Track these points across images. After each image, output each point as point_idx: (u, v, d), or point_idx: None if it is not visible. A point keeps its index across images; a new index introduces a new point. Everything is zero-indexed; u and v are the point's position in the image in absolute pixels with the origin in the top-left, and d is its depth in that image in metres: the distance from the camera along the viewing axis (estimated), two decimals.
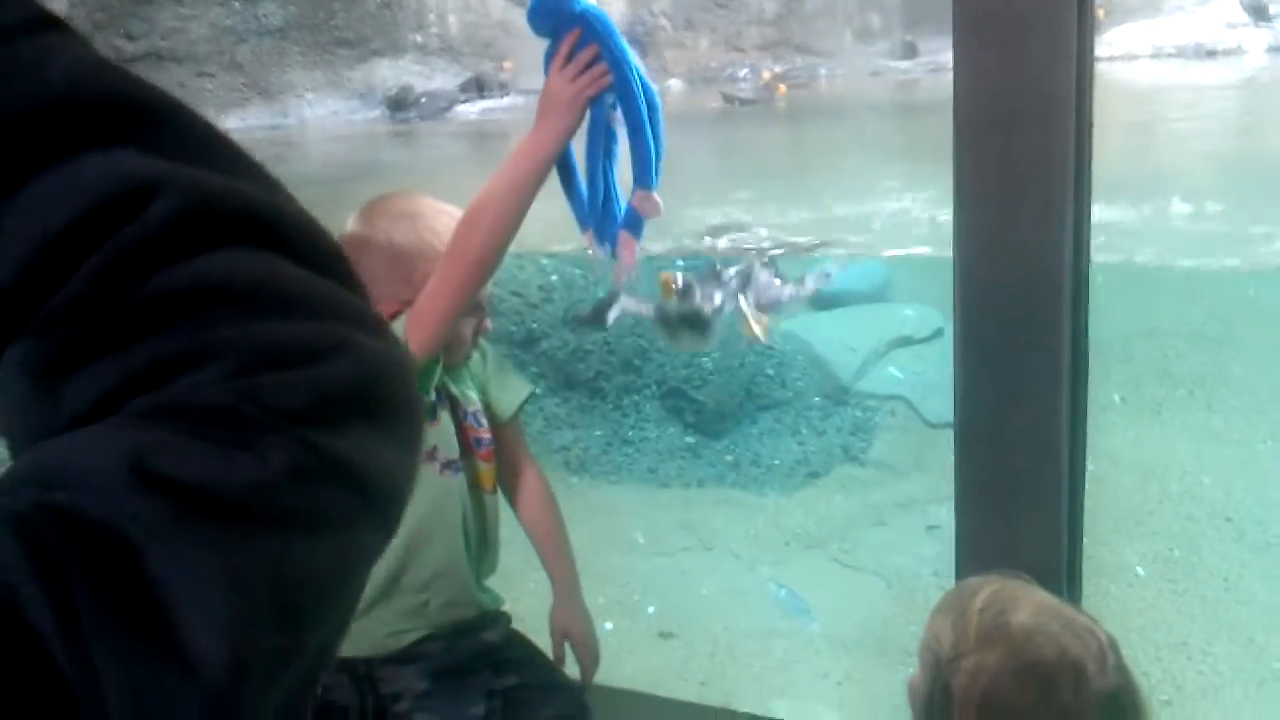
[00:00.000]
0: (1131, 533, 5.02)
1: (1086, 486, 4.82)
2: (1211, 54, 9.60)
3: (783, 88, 10.16)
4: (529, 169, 1.41)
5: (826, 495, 5.47)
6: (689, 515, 5.32)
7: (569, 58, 1.42)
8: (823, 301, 6.79)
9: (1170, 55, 9.67)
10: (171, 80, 8.57)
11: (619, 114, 1.45)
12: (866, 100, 10.12)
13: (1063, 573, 1.38)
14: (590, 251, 1.61)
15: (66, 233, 0.53)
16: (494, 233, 1.39)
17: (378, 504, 0.57)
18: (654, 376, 5.90)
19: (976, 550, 1.40)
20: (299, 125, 8.95)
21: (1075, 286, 1.33)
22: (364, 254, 1.54)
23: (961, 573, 1.44)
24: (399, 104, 9.18)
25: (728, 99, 9.69)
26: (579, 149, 1.50)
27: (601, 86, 1.41)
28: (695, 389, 5.83)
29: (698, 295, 2.85)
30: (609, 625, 4.54)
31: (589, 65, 1.41)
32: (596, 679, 2.31)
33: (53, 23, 0.58)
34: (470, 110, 8.93)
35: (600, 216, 1.54)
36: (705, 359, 5.93)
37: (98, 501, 0.49)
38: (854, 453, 5.68)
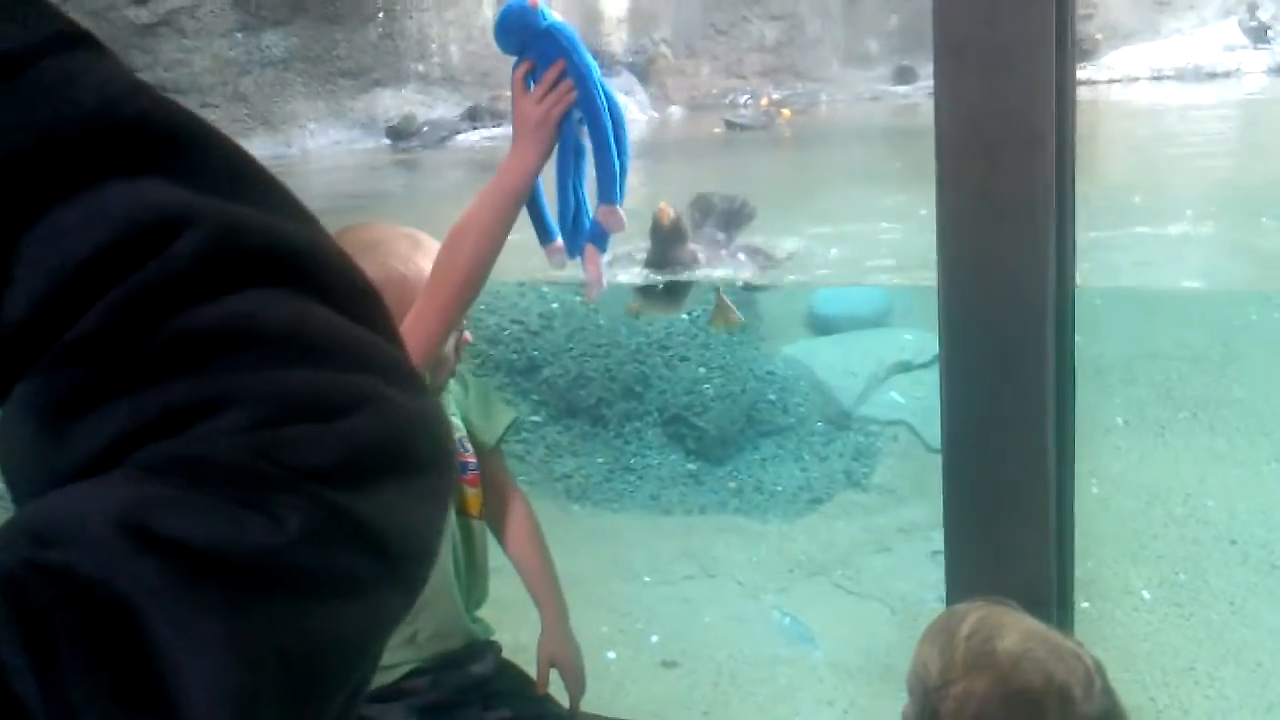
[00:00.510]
0: (1136, 556, 5.00)
1: (1090, 510, 4.81)
2: (1211, 76, 9.64)
3: (786, 113, 10.20)
4: (509, 191, 1.43)
5: (829, 521, 5.45)
6: (691, 543, 5.30)
7: (533, 75, 1.44)
8: (823, 326, 6.80)
9: (1169, 78, 9.70)
10: None
11: (585, 128, 1.46)
12: (866, 125, 10.16)
13: (1053, 593, 1.38)
14: (551, 263, 1.62)
15: (87, 265, 0.50)
16: (477, 255, 1.40)
17: (400, 567, 0.54)
18: (655, 404, 5.91)
19: (966, 572, 1.40)
20: (302, 155, 9.01)
21: (1059, 309, 1.34)
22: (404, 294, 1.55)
23: (951, 594, 1.43)
24: (401, 133, 9.23)
25: (730, 125, 9.72)
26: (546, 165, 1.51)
27: (568, 104, 1.42)
28: (697, 415, 5.83)
29: (688, 225, 2.99)
30: (612, 654, 4.52)
31: (555, 83, 1.42)
32: (599, 709, 2.30)
33: (84, 39, 0.55)
34: (471, 139, 8.97)
35: (570, 231, 1.55)
36: (707, 385, 5.94)
37: (94, 561, 0.45)
38: (856, 478, 5.67)
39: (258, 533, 0.47)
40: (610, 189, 1.49)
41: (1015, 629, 1.22)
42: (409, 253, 1.55)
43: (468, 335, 1.65)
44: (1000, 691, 1.16)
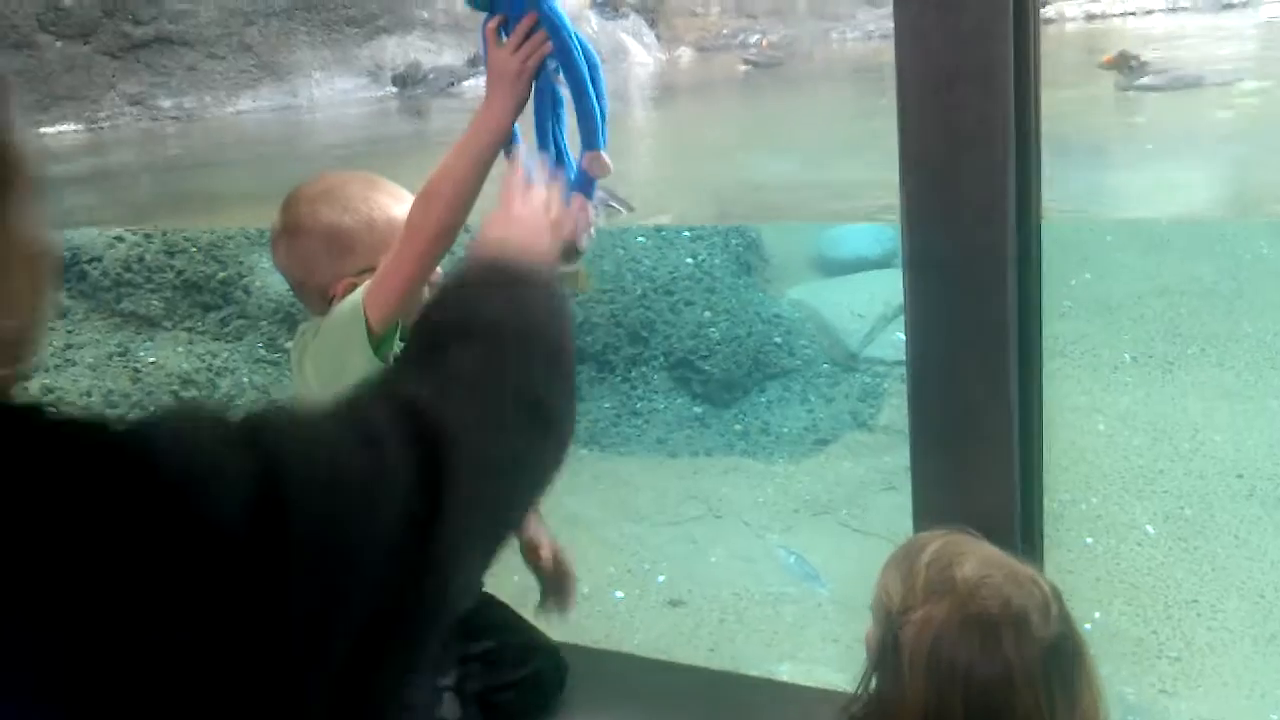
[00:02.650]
0: (1142, 491, 5.01)
1: (1096, 446, 4.81)
2: (1229, 6, 9.50)
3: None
4: (483, 143, 1.43)
5: (835, 462, 5.49)
6: (698, 484, 5.35)
7: (504, 28, 1.44)
8: (830, 268, 6.78)
9: (1185, 10, 9.56)
10: (182, 64, 8.62)
11: (562, 77, 1.46)
12: (877, 63, 10.05)
13: (1015, 522, 1.40)
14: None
15: None
16: (451, 207, 1.41)
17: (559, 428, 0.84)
18: (661, 348, 5.93)
19: (931, 500, 1.43)
20: (309, 105, 8.98)
21: (1023, 240, 1.34)
22: (299, 241, 1.57)
23: (918, 522, 1.46)
24: (407, 81, 9.18)
25: (749, 64, 9.70)
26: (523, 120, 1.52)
27: (543, 54, 1.43)
28: (703, 359, 5.85)
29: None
30: (619, 594, 4.59)
31: (528, 34, 1.42)
32: (606, 645, 2.34)
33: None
34: (478, 84, 8.92)
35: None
36: (713, 329, 5.95)
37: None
38: (863, 419, 5.69)
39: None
40: (593, 136, 1.49)
41: (974, 556, 1.24)
42: (367, 192, 1.56)
43: (438, 271, 1.67)
44: (958, 617, 1.18)
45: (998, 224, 1.30)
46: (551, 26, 1.42)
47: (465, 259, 0.98)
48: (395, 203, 1.57)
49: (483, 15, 1.49)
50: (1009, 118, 1.27)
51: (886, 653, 1.22)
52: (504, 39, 1.47)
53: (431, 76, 9.21)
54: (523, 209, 1.15)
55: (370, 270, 1.51)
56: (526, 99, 1.47)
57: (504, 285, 0.92)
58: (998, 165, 1.28)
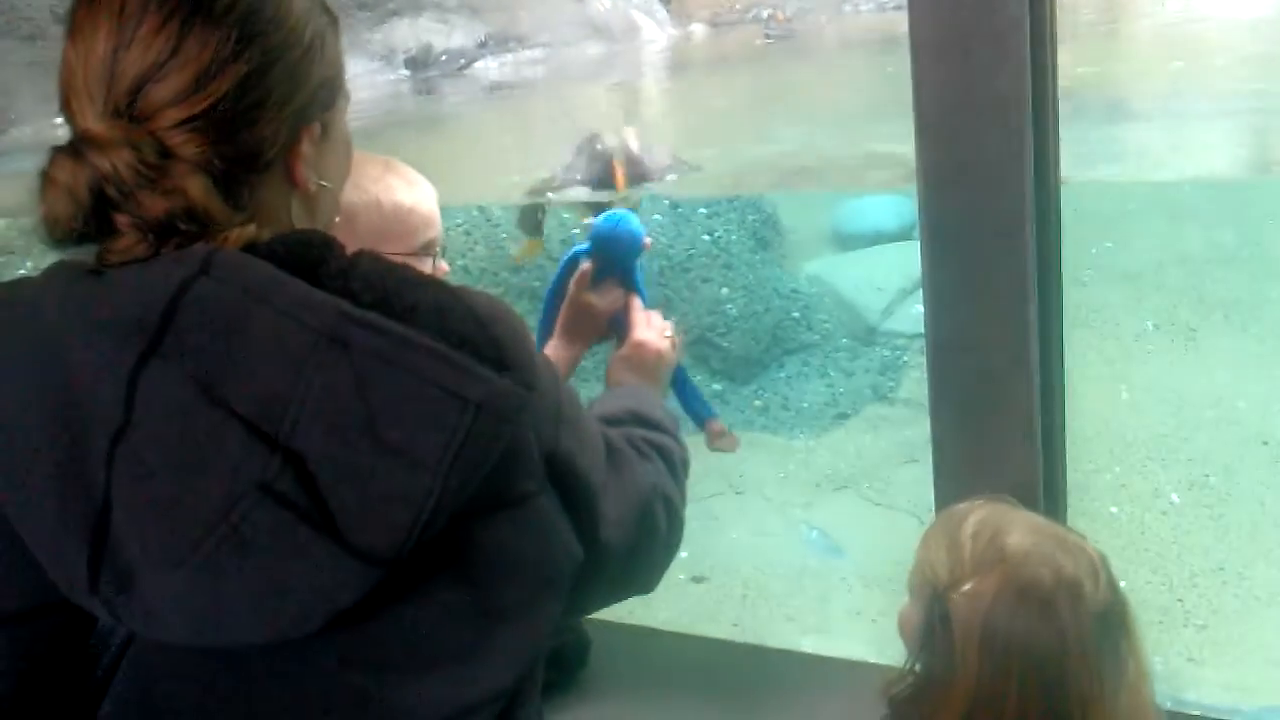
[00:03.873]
0: (1166, 460, 4.98)
1: (1120, 416, 4.76)
2: None
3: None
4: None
5: (856, 436, 5.48)
6: (719, 461, 5.33)
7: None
8: (848, 242, 6.74)
9: None
10: None
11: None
12: (892, 33, 9.95)
13: (1039, 495, 1.39)
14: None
15: None
16: None
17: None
18: (679, 325, 5.91)
19: (952, 475, 1.41)
20: None
21: (1041, 210, 1.32)
22: (357, 219, 1.56)
23: (940, 497, 1.45)
24: (419, 63, 9.15)
25: (769, 37, 9.68)
26: None
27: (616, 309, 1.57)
28: (721, 336, 5.84)
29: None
30: None
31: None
32: (627, 620, 2.31)
33: None
34: (490, 65, 8.89)
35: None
36: (730, 306, 5.93)
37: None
38: (883, 392, 5.67)
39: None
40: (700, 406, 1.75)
41: (1020, 524, 1.19)
42: (381, 174, 1.54)
43: (444, 265, 1.66)
44: (1011, 588, 1.13)
45: (1015, 191, 1.28)
46: (638, 293, 1.55)
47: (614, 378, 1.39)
48: (409, 188, 1.55)
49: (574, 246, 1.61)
50: (1024, 79, 1.25)
51: (935, 630, 1.17)
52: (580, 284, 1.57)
53: (444, 58, 9.18)
54: (647, 333, 1.47)
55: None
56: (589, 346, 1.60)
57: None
58: (1014, 132, 1.26)
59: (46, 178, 0.83)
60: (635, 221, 1.60)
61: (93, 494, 0.78)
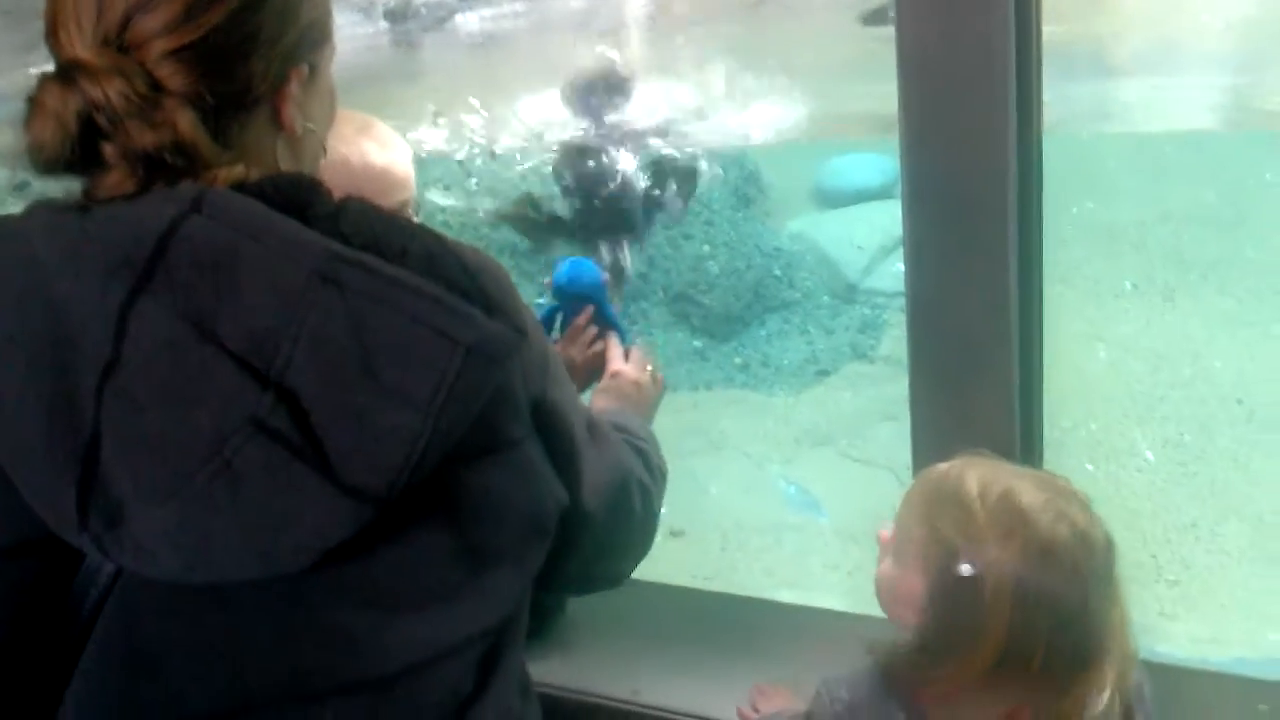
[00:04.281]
0: (1142, 418, 5.02)
1: (1097, 374, 4.79)
2: None
3: None
4: None
5: (836, 393, 5.50)
6: (698, 417, 5.36)
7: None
8: (830, 199, 6.72)
9: None
10: None
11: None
12: None
13: (1016, 449, 1.40)
14: None
15: None
16: None
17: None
18: (660, 282, 5.90)
19: (931, 431, 1.42)
20: None
21: (1023, 166, 1.32)
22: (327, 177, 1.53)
23: (918, 454, 1.45)
24: (398, 16, 9.03)
25: None
26: None
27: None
28: (702, 293, 5.83)
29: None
30: None
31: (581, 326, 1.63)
32: None
33: None
34: (469, 19, 8.78)
35: None
36: (712, 263, 5.92)
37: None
38: (863, 350, 5.69)
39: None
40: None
41: (1023, 480, 1.14)
42: (354, 135, 1.52)
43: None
44: (1036, 548, 1.09)
45: (998, 147, 1.27)
46: (614, 328, 1.61)
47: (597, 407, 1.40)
48: (381, 150, 1.52)
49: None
50: (1008, 38, 1.24)
51: (957, 597, 1.12)
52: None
53: (423, 11, 9.06)
54: (624, 365, 1.52)
55: None
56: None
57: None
58: (998, 86, 1.25)
59: (35, 103, 0.82)
60: (589, 264, 1.68)
61: (81, 429, 0.78)
